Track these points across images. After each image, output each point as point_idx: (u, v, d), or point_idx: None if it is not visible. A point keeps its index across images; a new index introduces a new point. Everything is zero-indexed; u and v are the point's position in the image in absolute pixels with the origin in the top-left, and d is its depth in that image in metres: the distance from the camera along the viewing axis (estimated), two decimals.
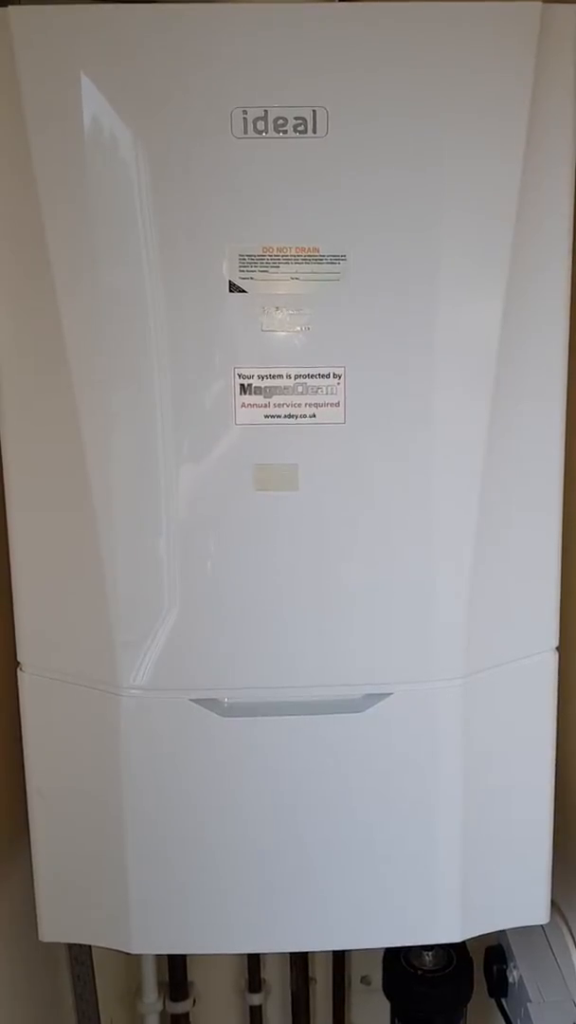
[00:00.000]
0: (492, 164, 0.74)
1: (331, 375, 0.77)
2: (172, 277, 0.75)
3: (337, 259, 0.75)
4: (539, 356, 0.79)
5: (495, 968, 1.02)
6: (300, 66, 0.72)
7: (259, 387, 0.77)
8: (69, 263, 0.75)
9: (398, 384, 0.77)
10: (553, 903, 0.92)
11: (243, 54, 0.72)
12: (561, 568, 0.84)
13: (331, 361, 0.76)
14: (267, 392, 0.77)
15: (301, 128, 0.72)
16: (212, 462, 0.79)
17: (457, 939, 0.88)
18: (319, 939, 0.91)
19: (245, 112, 0.72)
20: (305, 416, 0.77)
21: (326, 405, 0.77)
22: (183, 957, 1.25)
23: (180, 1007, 1.26)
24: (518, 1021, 0.95)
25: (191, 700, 0.82)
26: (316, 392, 0.77)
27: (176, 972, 1.25)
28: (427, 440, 0.78)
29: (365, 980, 1.31)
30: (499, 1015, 1.02)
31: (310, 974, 1.28)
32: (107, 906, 0.87)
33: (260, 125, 0.72)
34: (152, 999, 1.24)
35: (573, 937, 0.96)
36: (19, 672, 0.85)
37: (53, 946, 1.10)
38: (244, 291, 0.75)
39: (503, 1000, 1.02)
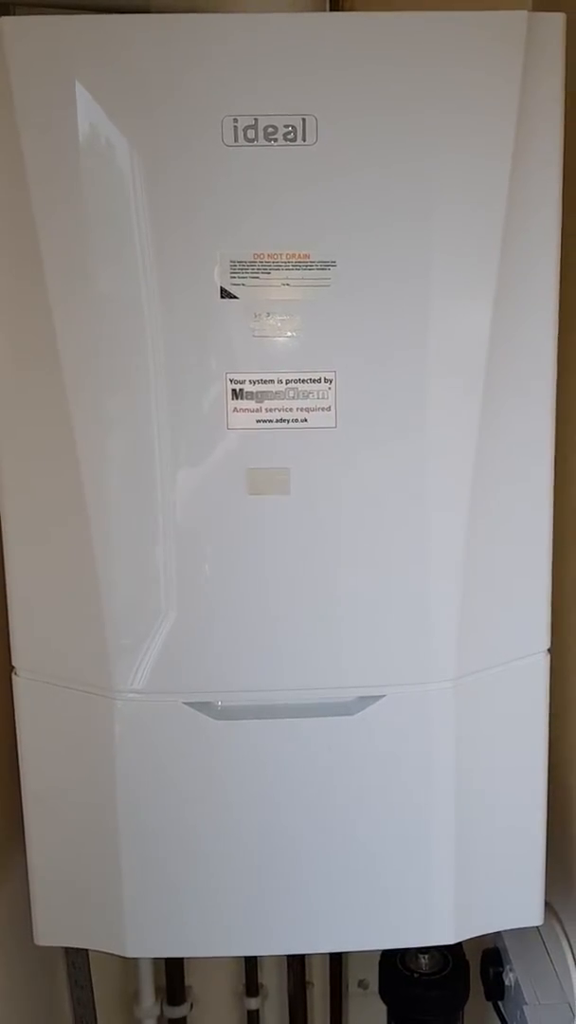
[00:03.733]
0: (480, 171, 0.74)
1: (322, 380, 0.77)
2: (164, 283, 0.76)
3: (327, 265, 0.75)
4: (529, 359, 0.79)
5: (491, 971, 1.02)
6: (290, 75, 0.73)
7: (251, 392, 0.77)
8: (62, 270, 0.75)
9: (389, 388, 0.78)
10: (548, 905, 0.92)
11: (233, 63, 0.73)
12: (553, 570, 0.84)
13: (322, 366, 0.77)
14: (259, 397, 0.78)
15: (291, 136, 0.73)
16: (205, 467, 0.79)
17: (451, 941, 0.88)
18: (314, 941, 0.91)
19: (235, 120, 0.73)
20: (297, 421, 0.78)
21: (317, 410, 0.78)
22: (180, 961, 1.25)
23: (177, 1011, 1.26)
24: None
25: (185, 703, 0.83)
26: (307, 397, 0.78)
27: (173, 976, 1.25)
28: (418, 443, 0.79)
29: (362, 984, 1.31)
30: (496, 1018, 1.02)
31: (307, 978, 1.28)
32: (102, 909, 0.87)
33: (250, 133, 0.73)
34: (149, 1003, 1.24)
35: (568, 940, 0.96)
36: (13, 676, 0.85)
37: (50, 951, 1.10)
38: (235, 297, 0.76)
39: (499, 1003, 1.02)
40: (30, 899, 0.89)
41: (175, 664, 0.83)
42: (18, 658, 0.85)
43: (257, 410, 0.78)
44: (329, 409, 0.78)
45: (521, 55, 0.73)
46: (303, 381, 0.77)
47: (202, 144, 0.73)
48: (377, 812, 0.85)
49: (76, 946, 0.94)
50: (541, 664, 0.85)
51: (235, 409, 0.78)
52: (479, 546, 0.81)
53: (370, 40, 0.73)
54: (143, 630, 0.81)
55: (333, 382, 0.77)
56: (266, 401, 0.78)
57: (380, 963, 1.09)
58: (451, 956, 1.07)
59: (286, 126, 0.73)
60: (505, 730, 0.86)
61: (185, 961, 1.26)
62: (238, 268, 0.75)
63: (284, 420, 0.78)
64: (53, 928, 0.90)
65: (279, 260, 0.75)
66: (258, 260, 0.75)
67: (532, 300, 0.78)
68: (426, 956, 1.07)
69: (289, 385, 0.77)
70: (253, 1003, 1.28)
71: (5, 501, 0.82)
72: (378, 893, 0.87)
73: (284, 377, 0.77)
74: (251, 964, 1.27)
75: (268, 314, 0.76)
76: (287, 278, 0.76)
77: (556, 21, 0.74)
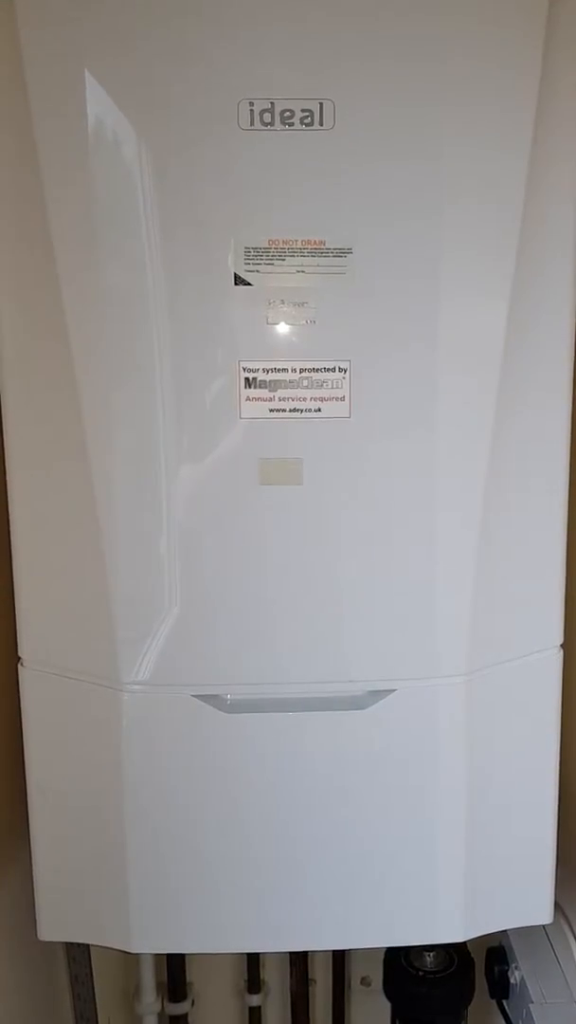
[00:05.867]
0: (499, 157, 0.73)
1: (336, 369, 0.76)
2: (177, 270, 0.75)
3: (343, 252, 0.74)
4: (545, 351, 0.78)
5: (496, 969, 1.01)
6: (307, 58, 0.72)
7: (264, 381, 0.76)
8: (73, 255, 0.74)
9: (404, 378, 0.77)
10: (555, 904, 0.91)
11: (249, 45, 0.72)
12: (566, 564, 0.84)
13: (336, 355, 0.76)
14: (272, 386, 0.76)
15: (308, 120, 0.72)
16: (216, 456, 0.78)
17: (460, 939, 0.88)
18: (320, 938, 0.90)
19: (252, 104, 0.72)
20: (310, 410, 0.77)
21: (331, 399, 0.77)
22: (182, 957, 1.24)
23: (179, 1008, 1.25)
24: (520, 1023, 0.95)
25: (193, 696, 0.82)
26: (321, 386, 0.76)
27: (175, 973, 1.24)
28: (433, 435, 0.78)
29: (365, 981, 1.30)
30: (500, 1017, 1.01)
31: (310, 975, 1.27)
32: (107, 904, 0.86)
33: (266, 117, 0.72)
34: (150, 1000, 1.23)
35: (575, 937, 0.95)
36: (20, 667, 0.84)
37: (52, 946, 1.09)
38: (249, 284, 0.75)
39: (504, 1002, 1.01)
40: (34, 893, 0.88)
41: (183, 656, 0.82)
42: (24, 649, 0.84)
43: (270, 399, 0.77)
44: (343, 399, 0.77)
45: (541, 38, 0.72)
46: (317, 370, 0.76)
47: (217, 128, 0.72)
48: (386, 808, 0.84)
49: (80, 941, 0.93)
50: (554, 659, 0.85)
51: (247, 398, 0.77)
52: (492, 540, 0.80)
53: (387, 22, 0.72)
54: (151, 621, 0.80)
55: (348, 371, 0.76)
56: (279, 390, 0.77)
57: (385, 960, 1.09)
58: (456, 954, 1.07)
59: (303, 110, 0.72)
60: (516, 726, 0.85)
61: (186, 957, 1.25)
62: (252, 254, 0.74)
63: (297, 409, 0.77)
64: (57, 923, 0.89)
65: (294, 247, 0.74)
66: (273, 246, 0.74)
67: (549, 289, 0.77)
68: (431, 954, 1.06)
69: (303, 374, 0.76)
70: (255, 1000, 1.28)
71: (14, 492, 0.81)
72: (386, 890, 0.86)
73: (298, 366, 0.76)
74: (253, 960, 1.27)
75: (282, 301, 0.75)
76: (302, 265, 0.75)
77: None
